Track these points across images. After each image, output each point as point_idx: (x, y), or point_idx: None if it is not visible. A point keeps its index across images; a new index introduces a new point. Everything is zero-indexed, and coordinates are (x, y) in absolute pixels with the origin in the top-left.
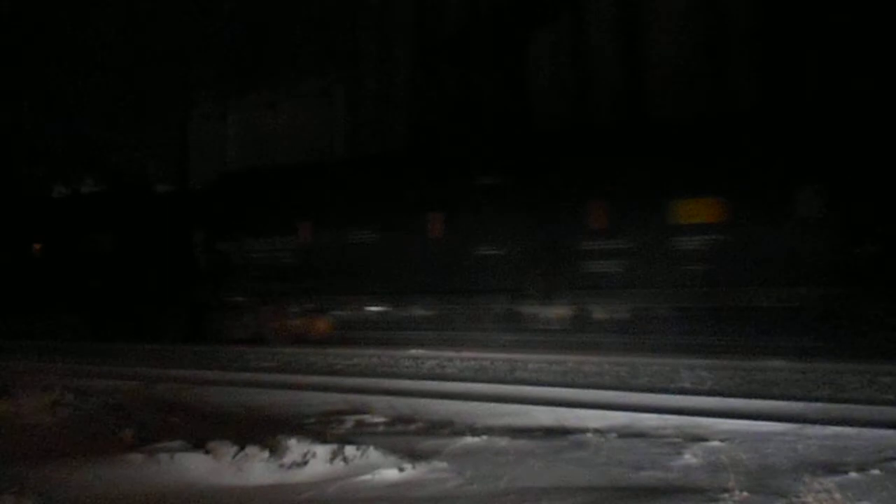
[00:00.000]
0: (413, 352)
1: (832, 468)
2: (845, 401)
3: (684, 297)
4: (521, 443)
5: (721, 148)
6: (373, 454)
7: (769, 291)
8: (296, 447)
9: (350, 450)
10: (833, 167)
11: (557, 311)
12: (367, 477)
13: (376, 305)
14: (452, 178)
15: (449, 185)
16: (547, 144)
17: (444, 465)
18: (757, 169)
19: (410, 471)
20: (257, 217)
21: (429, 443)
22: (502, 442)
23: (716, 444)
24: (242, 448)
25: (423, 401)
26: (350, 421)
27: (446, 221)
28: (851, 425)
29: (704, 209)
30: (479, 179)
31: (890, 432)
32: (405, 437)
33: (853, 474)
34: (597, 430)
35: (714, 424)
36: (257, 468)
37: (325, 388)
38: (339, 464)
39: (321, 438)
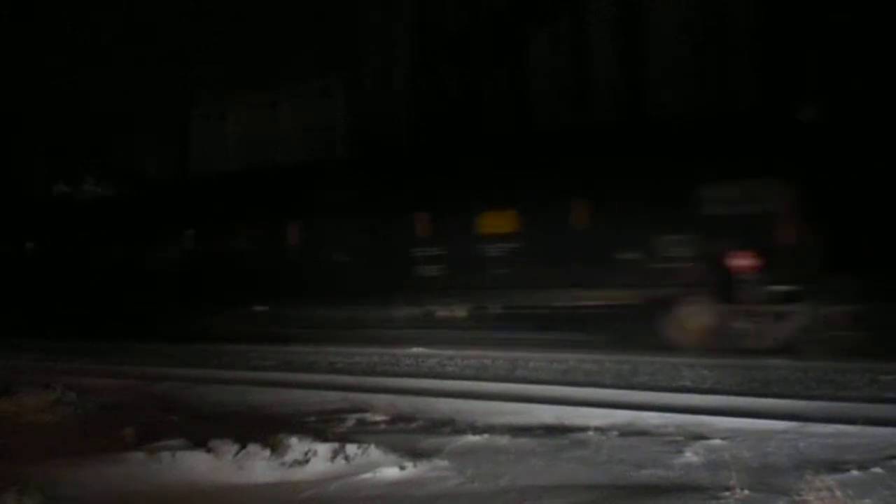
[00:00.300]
0: (414, 350)
1: (833, 466)
2: (846, 399)
3: (497, 298)
4: (522, 441)
5: (515, 165)
6: (374, 452)
7: (559, 293)
8: (297, 446)
9: (351, 448)
10: (597, 184)
11: (402, 311)
12: (369, 475)
13: (260, 306)
14: (305, 192)
15: (303, 198)
16: (386, 161)
17: (445, 463)
18: (541, 184)
19: (411, 469)
20: (154, 226)
21: (430, 441)
22: (503, 440)
23: (717, 442)
24: (244, 446)
25: (424, 399)
26: (351, 419)
27: (302, 231)
28: (853, 423)
29: (504, 220)
30: (327, 193)
31: (891, 430)
32: (406, 436)
33: (854, 472)
34: (598, 429)
35: (715, 423)
36: (258, 466)
37: (326, 387)
38: (340, 462)
39: (322, 437)
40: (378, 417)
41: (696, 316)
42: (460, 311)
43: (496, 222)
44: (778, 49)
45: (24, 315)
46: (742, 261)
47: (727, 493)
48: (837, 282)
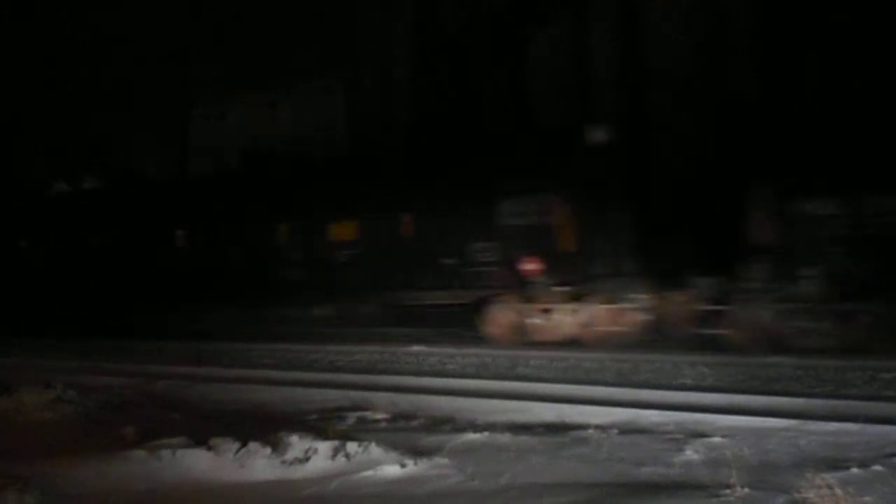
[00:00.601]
0: (415, 348)
1: (834, 464)
2: (847, 397)
3: (358, 298)
4: (523, 439)
5: (357, 182)
6: (374, 450)
7: (405, 294)
8: (297, 444)
9: (352, 446)
10: (420, 200)
11: (282, 311)
12: (369, 473)
13: (150, 302)
14: (186, 204)
15: (185, 209)
16: (255, 176)
17: (445, 461)
18: (377, 199)
19: (412, 467)
20: (52, 232)
21: (430, 439)
22: (504, 438)
23: (717, 440)
24: (244, 444)
25: (424, 397)
26: (352, 417)
27: (187, 237)
28: (853, 421)
29: (349, 230)
30: (204, 205)
31: (891, 428)
32: (407, 434)
33: (855, 470)
34: (598, 427)
35: (715, 420)
36: (259, 464)
37: (327, 385)
38: (340, 460)
39: (323, 435)
40: (379, 415)
41: (502, 314)
42: (330, 311)
43: (344, 231)
44: (778, 49)
45: (24, 313)
46: (530, 265)
47: (727, 491)
48: (618, 282)
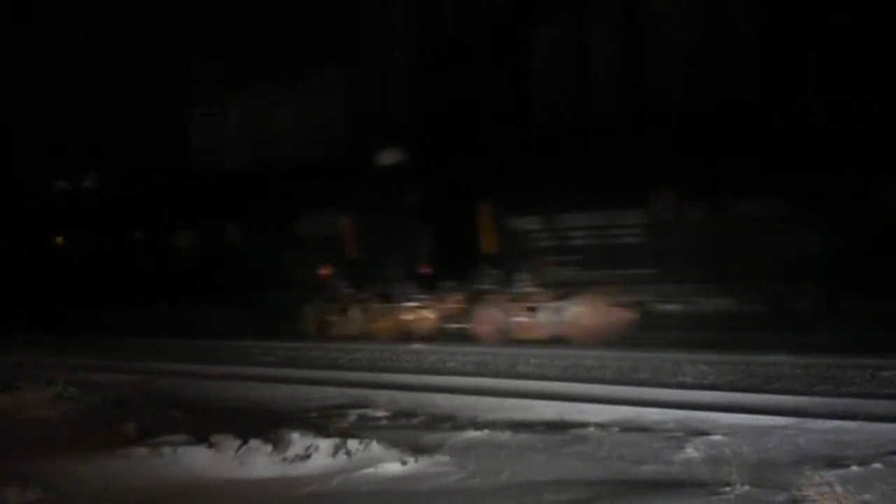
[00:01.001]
0: (415, 346)
1: (833, 462)
2: (846, 395)
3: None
4: (523, 437)
5: (193, 197)
6: (375, 448)
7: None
8: (298, 441)
9: (353, 443)
10: (242, 213)
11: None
12: (370, 470)
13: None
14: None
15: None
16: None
17: (446, 458)
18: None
19: (413, 464)
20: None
21: (431, 437)
22: (504, 436)
23: (717, 437)
24: (245, 442)
25: (425, 395)
26: (352, 415)
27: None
28: (853, 419)
29: (190, 239)
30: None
31: (891, 426)
32: (407, 431)
33: (854, 468)
34: (598, 425)
35: (716, 418)
36: (260, 462)
37: (328, 383)
38: (341, 457)
39: (324, 432)
40: (379, 413)
41: (312, 311)
42: (177, 310)
43: (186, 240)
44: (778, 49)
45: (24, 311)
46: (325, 271)
47: (727, 489)
48: (395, 286)
